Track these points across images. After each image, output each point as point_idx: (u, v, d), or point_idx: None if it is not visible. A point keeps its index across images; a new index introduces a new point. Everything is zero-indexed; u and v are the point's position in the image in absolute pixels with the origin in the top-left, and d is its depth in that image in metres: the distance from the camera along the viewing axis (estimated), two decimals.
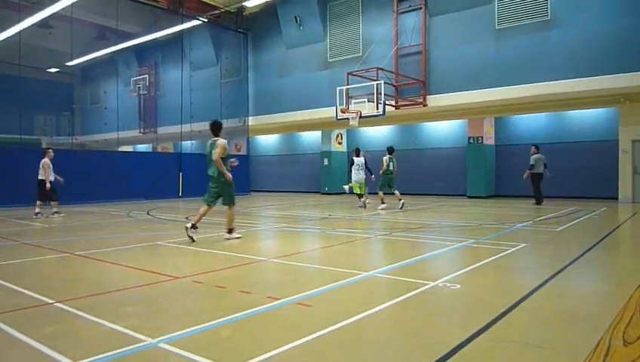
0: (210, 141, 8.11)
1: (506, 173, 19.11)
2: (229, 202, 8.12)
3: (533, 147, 16.11)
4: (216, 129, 8.11)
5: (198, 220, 8.05)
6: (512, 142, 19.43)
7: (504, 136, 19.81)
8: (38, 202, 12.25)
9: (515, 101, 16.74)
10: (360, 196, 15.22)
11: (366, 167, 14.95)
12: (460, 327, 3.57)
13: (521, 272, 5.73)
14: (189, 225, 7.93)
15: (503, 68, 16.35)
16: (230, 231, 8.19)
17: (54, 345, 3.16)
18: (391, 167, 14.49)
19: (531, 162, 15.72)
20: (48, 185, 11.99)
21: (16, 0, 18.81)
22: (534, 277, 5.24)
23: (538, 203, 15.50)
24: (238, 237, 8.21)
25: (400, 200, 14.07)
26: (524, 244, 7.26)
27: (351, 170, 14.99)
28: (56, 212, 12.41)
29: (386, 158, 14.51)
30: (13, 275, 5.36)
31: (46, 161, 12.12)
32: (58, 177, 12.40)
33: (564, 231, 9.01)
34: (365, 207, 14.73)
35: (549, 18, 15.57)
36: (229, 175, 7.99)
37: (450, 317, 3.93)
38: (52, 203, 12.43)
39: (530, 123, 19.27)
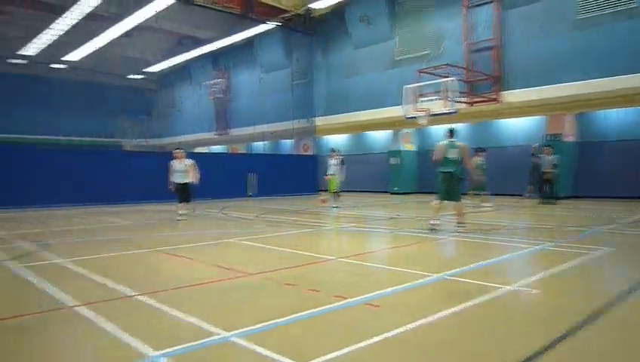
0: (448, 143, 8.99)
1: (588, 172, 17.83)
2: (458, 198, 9.07)
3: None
4: (452, 133, 9.15)
5: (435, 214, 9.01)
6: (595, 139, 18.11)
7: (587, 133, 18.52)
8: (180, 204, 11.61)
9: (599, 95, 15.65)
10: (337, 194, 15.59)
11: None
12: (538, 335, 3.39)
13: (605, 278, 5.36)
14: (433, 222, 8.97)
15: (582, 60, 15.36)
16: (460, 222, 9.06)
17: (136, 334, 3.38)
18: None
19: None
20: (174, 183, 11.42)
21: (101, 12, 20.24)
22: (620, 283, 4.88)
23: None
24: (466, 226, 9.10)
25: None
26: (608, 248, 6.78)
27: (328, 169, 15.53)
28: (183, 214, 11.59)
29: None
30: (99, 269, 5.77)
31: (170, 163, 11.54)
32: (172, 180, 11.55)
33: None
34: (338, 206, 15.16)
35: (636, 5, 14.43)
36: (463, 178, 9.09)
37: (527, 323, 3.73)
38: (179, 204, 11.66)
39: (617, 118, 17.85)
